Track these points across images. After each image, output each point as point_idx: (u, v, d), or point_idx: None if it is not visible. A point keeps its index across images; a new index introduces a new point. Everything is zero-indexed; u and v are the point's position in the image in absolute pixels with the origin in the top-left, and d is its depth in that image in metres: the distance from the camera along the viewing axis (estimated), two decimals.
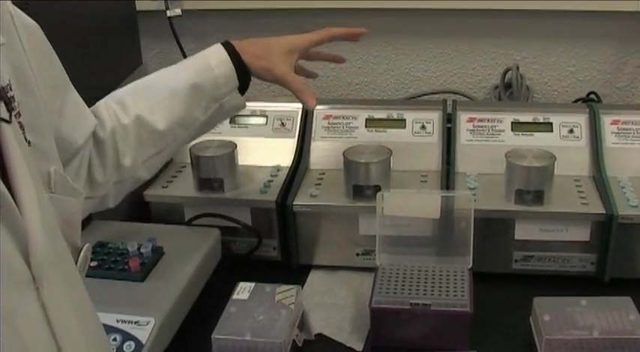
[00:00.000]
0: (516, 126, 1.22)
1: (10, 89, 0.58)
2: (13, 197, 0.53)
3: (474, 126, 1.23)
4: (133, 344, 0.89)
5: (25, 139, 0.60)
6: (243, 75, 0.97)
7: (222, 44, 0.97)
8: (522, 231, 1.09)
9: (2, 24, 0.62)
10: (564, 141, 1.20)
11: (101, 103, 0.93)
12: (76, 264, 0.64)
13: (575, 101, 1.48)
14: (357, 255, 1.15)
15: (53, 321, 0.55)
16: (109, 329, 0.90)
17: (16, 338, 0.51)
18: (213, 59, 0.96)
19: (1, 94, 0.55)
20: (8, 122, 0.55)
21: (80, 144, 0.84)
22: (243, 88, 0.99)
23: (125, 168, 0.92)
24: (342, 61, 1.15)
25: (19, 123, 0.59)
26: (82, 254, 0.66)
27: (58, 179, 0.65)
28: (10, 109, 0.55)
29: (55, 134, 0.72)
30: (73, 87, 0.83)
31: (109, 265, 1.03)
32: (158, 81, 0.97)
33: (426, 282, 1.00)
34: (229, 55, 0.96)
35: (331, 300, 1.09)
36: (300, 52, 1.02)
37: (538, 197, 1.08)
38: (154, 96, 0.94)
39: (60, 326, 0.56)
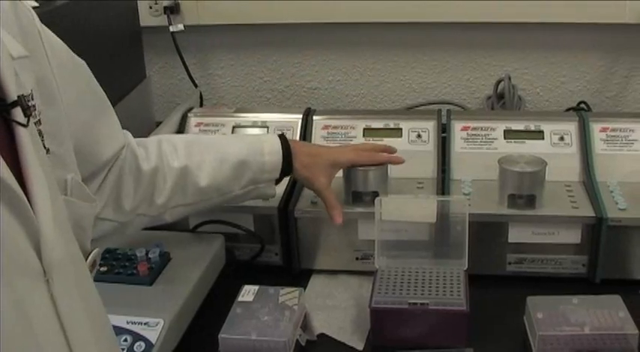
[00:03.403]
0: (509, 134, 1.25)
1: (32, 98, 0.62)
2: (27, 196, 0.56)
3: (467, 134, 1.26)
4: (143, 344, 0.92)
5: (44, 147, 0.64)
6: (285, 171, 1.07)
7: (280, 136, 1.07)
8: (515, 234, 1.12)
9: (29, 39, 0.67)
10: (555, 148, 1.23)
11: (153, 139, 1.01)
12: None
13: (567, 110, 1.51)
14: (357, 259, 1.18)
15: (62, 313, 0.58)
16: (120, 331, 0.93)
17: (26, 325, 0.54)
18: (267, 146, 1.05)
19: (20, 101, 0.58)
20: (25, 126, 0.58)
21: (105, 160, 0.90)
22: (278, 180, 1.08)
23: (155, 205, 0.99)
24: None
25: (39, 130, 0.63)
26: (90, 256, 0.70)
27: (74, 185, 0.70)
28: (27, 115, 0.59)
29: (81, 146, 0.77)
30: (112, 110, 0.91)
31: (118, 270, 1.06)
32: (214, 143, 1.06)
33: (423, 283, 1.03)
34: (283, 150, 1.05)
35: (332, 302, 1.12)
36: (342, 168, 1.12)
37: (530, 201, 1.11)
38: (206, 155, 1.02)
39: (69, 318, 0.59)
